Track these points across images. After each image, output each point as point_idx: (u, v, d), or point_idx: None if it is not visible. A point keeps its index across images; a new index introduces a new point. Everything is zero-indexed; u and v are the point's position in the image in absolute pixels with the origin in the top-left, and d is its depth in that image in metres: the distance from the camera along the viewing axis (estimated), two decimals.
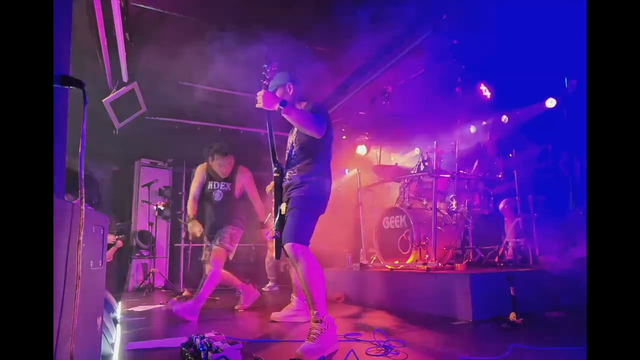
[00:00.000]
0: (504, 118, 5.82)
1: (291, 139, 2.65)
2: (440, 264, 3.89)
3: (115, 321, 2.53)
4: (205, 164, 4.01)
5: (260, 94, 2.38)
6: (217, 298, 4.82)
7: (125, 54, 3.98)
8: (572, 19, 3.37)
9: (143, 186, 7.30)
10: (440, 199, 4.68)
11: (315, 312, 2.23)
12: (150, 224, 6.91)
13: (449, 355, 2.12)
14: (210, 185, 3.94)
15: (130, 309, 4.20)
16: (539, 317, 3.03)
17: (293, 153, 2.59)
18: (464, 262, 3.97)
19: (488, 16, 3.96)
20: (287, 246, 2.30)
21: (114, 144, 5.88)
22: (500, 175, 4.62)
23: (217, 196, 3.91)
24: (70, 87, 1.37)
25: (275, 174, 2.56)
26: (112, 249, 5.90)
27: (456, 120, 5.56)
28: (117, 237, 5.96)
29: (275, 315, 3.28)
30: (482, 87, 5.53)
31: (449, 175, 4.47)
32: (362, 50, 4.55)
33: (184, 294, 5.44)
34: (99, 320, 1.68)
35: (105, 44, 3.81)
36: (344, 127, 7.05)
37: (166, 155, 7.81)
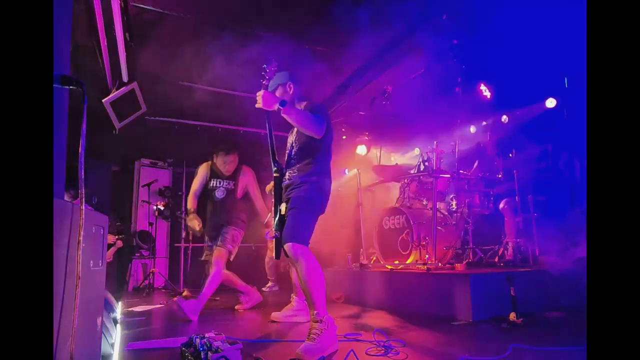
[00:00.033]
0: (504, 118, 5.82)
1: (291, 139, 2.65)
2: (440, 264, 3.89)
3: (115, 321, 2.53)
4: (208, 162, 4.03)
5: (260, 94, 2.38)
6: (217, 298, 4.81)
7: (125, 54, 3.97)
8: (572, 19, 3.37)
9: (143, 186, 7.30)
10: (440, 199, 4.68)
11: (315, 312, 2.23)
12: (150, 224, 6.91)
13: (449, 355, 2.12)
14: (213, 183, 3.94)
15: (130, 309, 4.20)
16: (539, 317, 3.03)
17: (293, 153, 2.59)
18: (464, 262, 3.97)
19: (488, 16, 3.96)
20: (287, 246, 2.30)
21: (114, 144, 5.88)
22: (500, 175, 4.62)
23: (220, 194, 3.92)
24: (70, 87, 1.37)
25: (275, 174, 2.56)
26: (112, 249, 5.90)
27: (456, 120, 5.56)
28: (117, 237, 5.96)
29: (275, 315, 3.28)
30: (482, 87, 5.54)
31: (449, 175, 4.47)
32: (362, 50, 4.55)
33: (184, 294, 5.44)
34: (99, 320, 1.68)
35: (105, 44, 3.80)
36: (344, 127, 7.05)
37: (166, 155, 7.81)
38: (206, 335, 2.01)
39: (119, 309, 3.16)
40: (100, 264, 1.65)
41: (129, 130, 5.00)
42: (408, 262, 4.21)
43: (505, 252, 4.12)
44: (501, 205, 4.45)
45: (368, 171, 5.57)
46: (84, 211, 1.29)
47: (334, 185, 2.61)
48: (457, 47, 4.72)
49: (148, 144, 7.12)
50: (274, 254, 2.53)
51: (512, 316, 2.70)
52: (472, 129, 6.05)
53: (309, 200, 2.40)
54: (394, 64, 4.85)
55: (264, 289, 5.82)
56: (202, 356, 1.87)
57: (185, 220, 4.89)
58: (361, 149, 6.95)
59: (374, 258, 4.90)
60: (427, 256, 4.00)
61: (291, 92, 2.64)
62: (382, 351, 2.14)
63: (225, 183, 3.95)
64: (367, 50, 4.65)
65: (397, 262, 4.33)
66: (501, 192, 4.60)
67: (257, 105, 2.40)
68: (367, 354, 2.13)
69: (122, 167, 7.70)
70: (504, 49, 4.47)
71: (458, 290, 3.16)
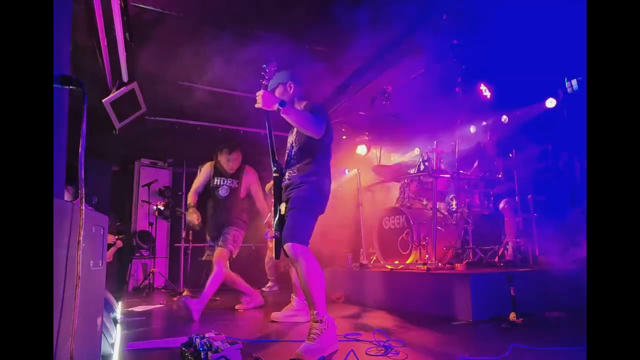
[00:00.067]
0: (504, 118, 5.82)
1: (291, 139, 2.65)
2: (440, 264, 3.89)
3: (115, 321, 2.52)
4: (211, 162, 4.06)
5: (259, 94, 2.38)
6: (217, 298, 4.81)
7: (125, 54, 3.97)
8: (572, 19, 3.37)
9: (143, 186, 7.30)
10: (440, 199, 4.68)
11: (315, 312, 2.23)
12: (150, 224, 6.91)
13: (449, 355, 2.12)
14: (216, 181, 3.97)
15: (130, 309, 4.20)
16: (539, 317, 3.03)
17: (293, 153, 2.59)
18: (464, 262, 3.97)
19: (488, 16, 3.96)
20: (287, 246, 2.30)
21: (114, 144, 5.88)
22: (500, 175, 4.62)
23: (223, 192, 3.93)
24: (70, 87, 1.37)
25: (274, 174, 2.57)
26: (112, 249, 5.90)
27: (456, 120, 5.55)
28: (117, 237, 5.96)
29: (275, 315, 3.28)
30: (482, 87, 5.54)
31: (449, 175, 4.47)
32: (362, 50, 4.55)
33: (184, 294, 5.44)
34: (99, 320, 1.68)
35: (105, 44, 3.80)
36: (344, 127, 7.04)
37: (166, 155, 7.81)
38: (206, 335, 2.01)
39: (119, 309, 3.16)
40: (100, 264, 1.65)
41: (129, 130, 5.00)
42: (408, 262, 4.21)
43: (505, 252, 4.12)
44: (501, 205, 4.45)
45: (368, 171, 5.57)
46: (84, 211, 1.29)
47: (334, 185, 2.61)
48: (457, 47, 4.72)
49: (148, 144, 7.11)
50: (273, 254, 2.53)
51: (512, 316, 2.70)
52: (472, 129, 6.05)
53: (308, 200, 2.40)
54: (394, 64, 4.85)
55: (264, 289, 5.82)
56: (202, 356, 1.87)
57: (185, 216, 4.90)
58: (361, 149, 6.95)
59: (374, 258, 4.90)
60: (427, 256, 4.00)
61: (291, 91, 2.65)
62: (382, 351, 2.14)
63: (228, 181, 3.97)
64: (367, 51, 4.65)
65: (397, 262, 4.33)
66: (501, 192, 4.60)
67: (256, 105, 2.40)
68: (367, 354, 2.13)
69: (122, 167, 7.70)
70: (504, 49, 4.47)
71: (458, 290, 3.16)
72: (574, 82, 5.18)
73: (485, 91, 5.53)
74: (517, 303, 2.74)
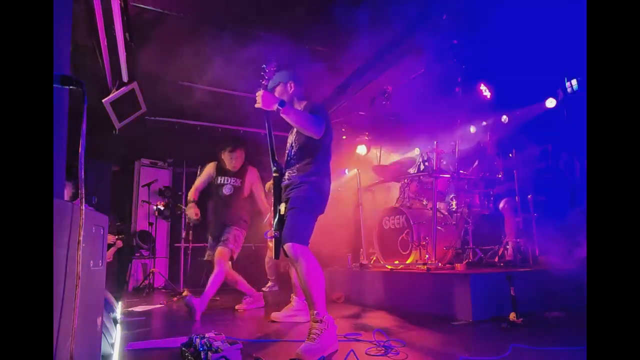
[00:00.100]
0: (504, 118, 5.81)
1: (291, 139, 2.66)
2: (440, 264, 3.89)
3: (115, 321, 2.52)
4: (214, 162, 4.09)
5: (259, 94, 2.38)
6: (217, 298, 4.81)
7: (125, 54, 3.97)
8: (572, 19, 3.37)
9: (143, 186, 7.30)
10: (440, 199, 4.68)
11: (315, 312, 2.23)
12: (150, 224, 6.91)
13: (449, 355, 2.12)
14: (220, 180, 4.00)
15: (130, 309, 4.20)
16: (539, 317, 3.03)
17: (292, 153, 2.59)
18: (464, 262, 3.97)
19: (488, 16, 3.96)
20: (287, 246, 2.31)
21: (114, 144, 5.88)
22: (500, 175, 4.62)
23: (227, 190, 3.96)
24: (70, 87, 1.37)
25: (274, 174, 2.57)
26: (112, 249, 5.90)
27: (456, 120, 5.55)
28: (117, 237, 5.96)
29: (275, 315, 3.28)
30: (482, 87, 5.53)
31: (449, 175, 4.48)
32: (362, 51, 4.55)
33: (184, 294, 5.44)
34: (99, 320, 1.68)
35: (105, 44, 3.80)
36: (344, 127, 7.04)
37: (166, 155, 7.81)
38: (206, 335, 2.01)
39: (119, 309, 3.16)
40: (100, 264, 1.65)
41: (129, 130, 5.00)
42: (408, 262, 4.20)
43: (505, 252, 4.12)
44: (501, 205, 4.45)
45: (368, 171, 5.57)
46: (84, 211, 1.29)
47: (334, 185, 2.61)
48: (457, 47, 4.72)
49: (148, 144, 7.11)
50: (273, 254, 2.53)
51: (512, 316, 2.70)
52: (472, 129, 6.05)
53: (308, 200, 2.41)
54: (394, 64, 4.85)
55: (264, 289, 5.82)
56: (202, 356, 1.87)
57: (184, 213, 4.92)
58: (361, 149, 6.95)
59: (374, 258, 4.90)
60: (427, 256, 4.00)
61: (291, 91, 2.65)
62: (382, 351, 2.14)
63: (232, 180, 4.00)
64: (367, 51, 4.65)
65: (397, 262, 4.33)
66: (501, 192, 4.60)
67: (256, 105, 2.40)
68: (367, 354, 2.13)
69: (122, 167, 7.70)
70: (504, 49, 4.47)
71: (458, 290, 3.16)
72: (574, 82, 5.18)
73: (485, 91, 5.52)
74: (517, 303, 2.74)
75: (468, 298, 3.04)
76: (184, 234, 7.40)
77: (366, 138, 7.04)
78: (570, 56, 4.44)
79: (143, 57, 4.46)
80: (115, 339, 2.35)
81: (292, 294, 3.46)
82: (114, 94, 4.25)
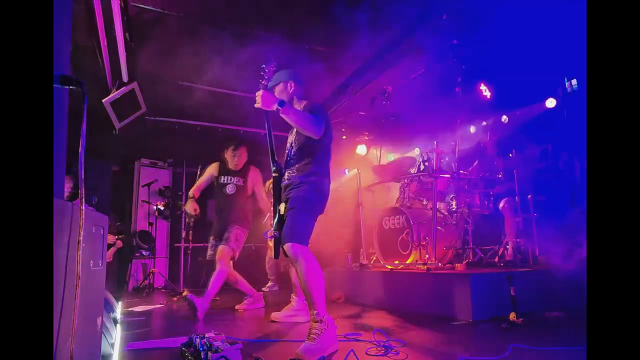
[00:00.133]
0: (504, 118, 5.81)
1: (291, 139, 2.66)
2: (440, 264, 3.89)
3: (115, 321, 2.52)
4: (217, 162, 4.11)
5: (259, 94, 2.38)
6: (217, 298, 4.81)
7: (125, 54, 3.97)
8: (572, 19, 3.37)
9: (143, 186, 7.30)
10: (440, 199, 4.68)
11: (315, 312, 2.23)
12: (150, 224, 6.91)
13: (449, 355, 2.12)
14: (223, 179, 4.03)
15: (130, 309, 4.20)
16: (539, 317, 3.03)
17: (292, 153, 2.59)
18: (464, 262, 3.97)
19: (488, 16, 3.96)
20: (287, 246, 2.31)
21: (114, 144, 5.88)
22: (500, 175, 4.62)
23: (230, 189, 3.99)
24: (70, 87, 1.37)
25: (274, 174, 2.57)
26: (112, 249, 5.90)
27: (456, 120, 5.55)
28: (117, 237, 5.96)
29: (275, 315, 3.28)
30: (482, 87, 5.53)
31: (449, 175, 4.48)
32: (362, 51, 4.55)
33: (184, 293, 5.44)
34: (99, 320, 1.68)
35: (105, 44, 3.80)
36: (344, 127, 7.04)
37: (166, 155, 7.81)
38: (206, 335, 2.01)
39: (119, 309, 3.16)
40: (100, 264, 1.65)
41: (129, 130, 5.00)
42: (408, 262, 4.20)
43: (505, 252, 4.12)
44: (501, 205, 4.45)
45: (368, 171, 5.57)
46: (84, 211, 1.29)
47: (333, 185, 2.61)
48: (457, 47, 4.72)
49: (148, 144, 7.12)
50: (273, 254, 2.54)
51: (512, 316, 2.70)
52: (472, 129, 6.05)
53: (307, 200, 2.41)
54: (394, 64, 4.85)
55: (264, 288, 5.82)
56: (202, 356, 1.87)
57: (184, 209, 4.93)
58: (361, 149, 6.95)
59: (374, 258, 4.90)
60: (427, 256, 4.00)
61: (291, 90, 2.65)
62: (382, 351, 2.14)
63: (235, 179, 4.03)
64: (366, 51, 4.65)
65: (397, 262, 4.33)
66: (501, 192, 4.60)
67: (256, 105, 2.40)
68: (367, 354, 2.13)
69: (122, 167, 7.71)
70: (504, 49, 4.47)
71: (458, 290, 3.16)
72: (574, 82, 5.18)
73: (485, 91, 5.52)
74: (517, 303, 2.74)
75: (468, 298, 3.04)
76: (184, 234, 7.40)
77: (366, 138, 7.04)
78: (570, 56, 4.44)
79: (143, 57, 4.46)
80: (115, 339, 2.35)
81: (292, 294, 3.46)
82: (114, 94, 4.25)
